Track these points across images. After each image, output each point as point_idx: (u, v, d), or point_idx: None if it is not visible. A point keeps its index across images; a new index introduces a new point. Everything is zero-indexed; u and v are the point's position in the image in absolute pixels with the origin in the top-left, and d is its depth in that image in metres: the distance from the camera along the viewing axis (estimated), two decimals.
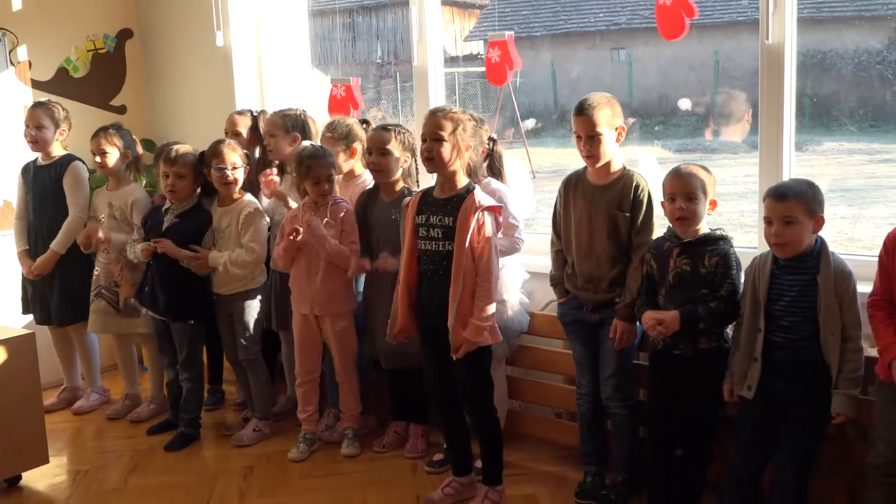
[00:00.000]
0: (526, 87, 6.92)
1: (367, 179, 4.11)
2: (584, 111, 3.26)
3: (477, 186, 3.33)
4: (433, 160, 3.25)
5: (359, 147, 4.11)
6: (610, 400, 3.44)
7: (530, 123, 6.48)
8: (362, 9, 7.50)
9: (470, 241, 3.18)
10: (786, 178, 3.43)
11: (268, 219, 4.18)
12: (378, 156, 3.81)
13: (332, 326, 3.95)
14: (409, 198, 3.49)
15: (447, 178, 3.30)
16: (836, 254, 2.89)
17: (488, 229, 3.21)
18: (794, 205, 2.82)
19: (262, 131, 4.45)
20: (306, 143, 4.09)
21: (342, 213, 3.87)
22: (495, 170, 3.82)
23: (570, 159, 4.72)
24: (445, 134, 3.22)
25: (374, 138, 3.84)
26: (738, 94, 5.80)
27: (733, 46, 5.93)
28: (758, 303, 2.93)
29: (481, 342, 3.22)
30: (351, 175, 4.17)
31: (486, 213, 3.21)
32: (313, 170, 3.81)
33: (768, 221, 2.88)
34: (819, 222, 2.86)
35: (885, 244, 2.81)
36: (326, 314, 3.94)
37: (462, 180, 3.31)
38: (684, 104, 6.32)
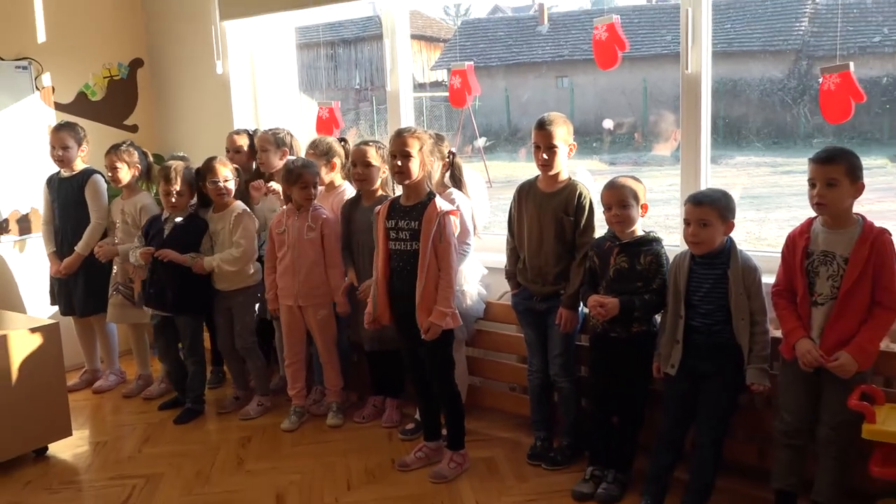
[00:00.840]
0: (483, 110, 6.95)
1: (346, 190, 4.09)
2: (544, 126, 3.28)
3: (437, 195, 3.33)
4: (403, 173, 3.24)
5: (338, 161, 4.08)
6: (557, 376, 3.46)
7: (482, 141, 6.51)
8: (343, 42, 7.48)
9: (432, 241, 3.19)
10: (703, 187, 3.46)
11: (257, 221, 4.15)
12: (362, 167, 3.79)
13: (315, 315, 3.93)
14: (378, 206, 3.48)
15: (412, 187, 3.29)
16: (743, 251, 2.92)
17: (449, 230, 3.22)
18: (708, 210, 2.85)
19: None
20: (291, 157, 4.08)
21: (321, 220, 3.86)
22: (456, 179, 3.80)
23: (522, 171, 4.73)
24: (413, 151, 3.21)
25: (358, 152, 3.81)
26: (668, 115, 5.87)
27: (659, 75, 6.00)
28: (679, 293, 2.96)
29: (444, 326, 3.23)
30: (331, 186, 4.14)
31: (446, 217, 3.22)
32: (303, 176, 3.79)
33: (687, 223, 2.91)
34: (730, 226, 2.89)
35: (786, 242, 2.85)
36: (309, 305, 3.92)
37: (425, 189, 3.31)
38: (607, 123, 6.40)
